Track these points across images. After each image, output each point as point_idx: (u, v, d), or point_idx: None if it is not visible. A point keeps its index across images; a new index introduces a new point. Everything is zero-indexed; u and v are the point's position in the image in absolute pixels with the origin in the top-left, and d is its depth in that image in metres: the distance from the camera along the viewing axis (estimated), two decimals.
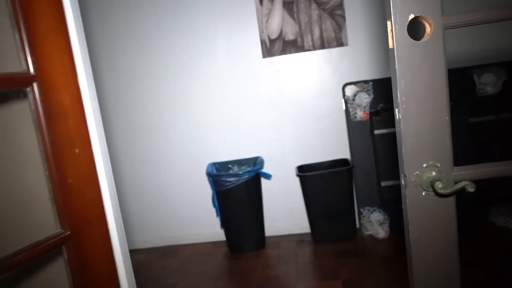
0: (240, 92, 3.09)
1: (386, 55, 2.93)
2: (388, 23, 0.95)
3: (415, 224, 0.98)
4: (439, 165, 0.96)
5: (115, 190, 1.23)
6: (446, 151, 0.95)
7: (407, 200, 0.96)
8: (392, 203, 2.93)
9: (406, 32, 0.92)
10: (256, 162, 3.04)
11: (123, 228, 1.24)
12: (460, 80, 2.83)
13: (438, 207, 0.96)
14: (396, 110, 0.98)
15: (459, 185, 0.89)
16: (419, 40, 0.93)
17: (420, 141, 0.95)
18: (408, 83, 0.94)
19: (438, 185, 0.91)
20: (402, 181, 0.99)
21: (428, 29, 0.94)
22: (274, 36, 2.98)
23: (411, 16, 0.92)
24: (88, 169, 1.12)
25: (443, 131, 0.95)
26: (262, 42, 3.00)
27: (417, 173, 0.97)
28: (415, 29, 0.96)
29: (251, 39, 3.02)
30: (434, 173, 0.96)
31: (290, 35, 2.97)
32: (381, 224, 2.93)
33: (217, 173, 2.94)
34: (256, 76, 3.07)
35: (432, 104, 0.93)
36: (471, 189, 0.88)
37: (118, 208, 1.23)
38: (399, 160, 0.99)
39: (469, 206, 2.86)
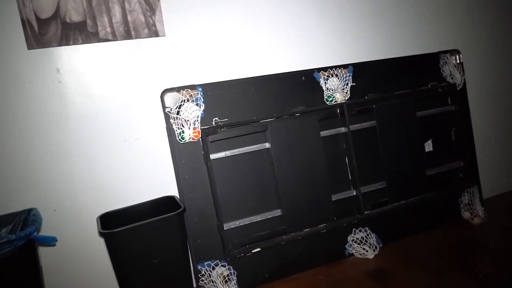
0: None
1: (221, 48, 2.15)
2: None
3: None
4: None
5: None
6: None
7: None
8: (239, 251, 2.16)
9: None
10: (28, 218, 1.84)
11: None
12: (308, 84, 2.28)
13: None
14: None
15: None
16: None
17: None
18: None
19: None
20: None
21: None
22: (46, 14, 1.86)
23: None
24: None
25: None
26: (26, 23, 1.84)
27: None
28: None
29: (6, 17, 1.82)
30: None
31: (74, 15, 1.90)
32: (226, 282, 2.13)
33: None
34: (18, 79, 1.88)
35: None
36: None
37: None
38: None
39: (326, 237, 2.34)
